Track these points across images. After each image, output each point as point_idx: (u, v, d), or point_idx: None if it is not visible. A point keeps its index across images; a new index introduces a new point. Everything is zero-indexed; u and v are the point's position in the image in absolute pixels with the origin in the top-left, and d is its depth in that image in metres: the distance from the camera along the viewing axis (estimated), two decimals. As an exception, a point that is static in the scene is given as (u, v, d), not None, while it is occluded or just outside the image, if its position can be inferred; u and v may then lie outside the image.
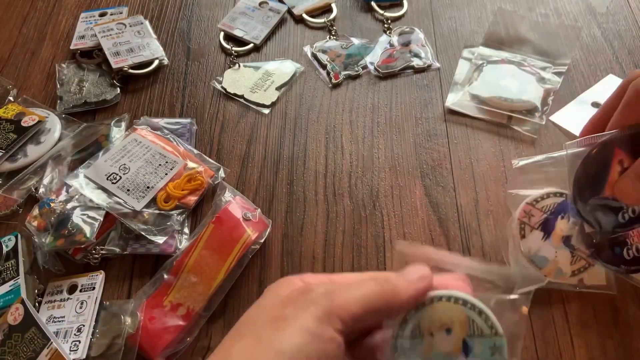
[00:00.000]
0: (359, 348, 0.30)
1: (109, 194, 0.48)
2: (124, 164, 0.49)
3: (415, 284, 0.30)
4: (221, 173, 0.51)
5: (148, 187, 0.48)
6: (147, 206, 0.47)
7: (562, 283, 0.42)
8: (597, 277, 0.42)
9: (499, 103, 0.53)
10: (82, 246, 0.45)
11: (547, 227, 0.42)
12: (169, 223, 0.47)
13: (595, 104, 0.53)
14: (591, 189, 0.38)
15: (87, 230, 0.45)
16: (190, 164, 0.50)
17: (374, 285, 0.29)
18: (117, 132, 0.53)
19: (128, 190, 0.48)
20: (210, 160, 0.52)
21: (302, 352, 0.25)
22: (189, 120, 0.55)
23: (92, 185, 0.48)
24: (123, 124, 0.54)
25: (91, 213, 0.47)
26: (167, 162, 0.50)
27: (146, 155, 0.50)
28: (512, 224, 0.43)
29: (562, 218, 0.42)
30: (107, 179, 0.49)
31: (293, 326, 0.26)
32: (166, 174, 0.49)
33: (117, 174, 0.49)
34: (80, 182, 0.48)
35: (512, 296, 0.32)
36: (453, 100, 0.55)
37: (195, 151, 0.52)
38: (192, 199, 0.48)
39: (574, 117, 0.52)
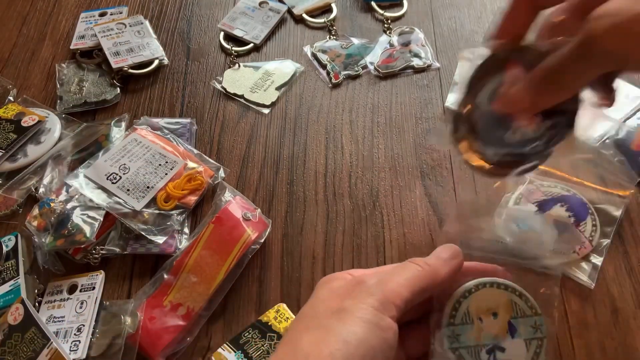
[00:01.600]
0: (410, 336, 0.33)
1: (109, 194, 0.48)
2: (124, 164, 0.49)
3: (450, 262, 0.33)
4: (221, 173, 0.51)
5: (148, 187, 0.48)
6: (147, 206, 0.47)
7: (541, 256, 0.41)
8: (581, 270, 0.43)
9: None
10: (82, 246, 0.45)
11: (543, 206, 0.44)
12: (169, 223, 0.47)
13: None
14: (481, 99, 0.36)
15: (87, 230, 0.45)
16: (190, 164, 0.50)
17: (416, 268, 0.32)
18: (117, 132, 0.53)
19: (128, 190, 0.48)
20: (210, 160, 0.52)
21: (364, 341, 0.28)
22: (188, 120, 0.55)
23: (92, 185, 0.48)
24: (123, 124, 0.54)
25: (91, 213, 0.47)
26: (167, 162, 0.50)
27: (146, 155, 0.50)
28: (511, 193, 0.46)
29: (561, 206, 0.44)
30: (107, 178, 0.49)
31: (353, 317, 0.28)
32: (166, 174, 0.49)
33: (117, 174, 0.49)
34: (80, 182, 0.48)
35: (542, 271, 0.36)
36: (453, 100, 0.55)
37: (195, 151, 0.52)
38: (192, 199, 0.48)
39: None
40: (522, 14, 0.36)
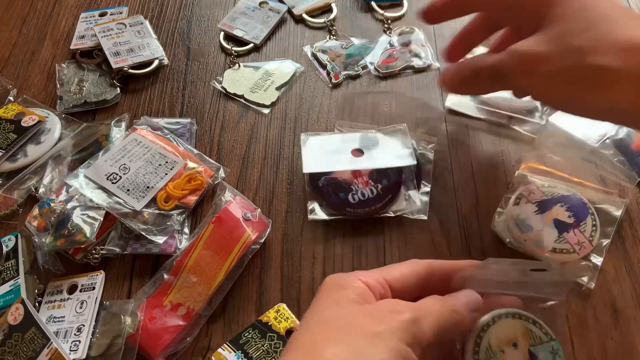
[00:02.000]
0: None
1: (109, 194, 0.48)
2: (124, 164, 0.49)
3: (473, 314, 0.33)
4: (221, 173, 0.51)
5: (148, 187, 0.48)
6: (147, 206, 0.47)
7: (540, 255, 0.44)
8: (580, 269, 0.44)
9: (499, 103, 0.53)
10: (82, 246, 0.45)
11: (543, 206, 0.45)
12: (169, 223, 0.47)
13: None
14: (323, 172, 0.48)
15: (87, 230, 0.45)
16: (190, 164, 0.50)
17: (447, 312, 0.32)
18: (117, 132, 0.53)
19: (128, 190, 0.48)
20: (210, 160, 0.52)
21: None
22: (188, 120, 0.55)
23: (92, 185, 0.48)
24: (123, 124, 0.54)
25: (91, 213, 0.47)
26: (167, 162, 0.50)
27: (146, 155, 0.50)
28: (511, 194, 0.47)
29: (561, 206, 0.45)
30: (107, 179, 0.49)
31: (387, 347, 0.28)
32: (166, 174, 0.49)
33: (117, 174, 0.49)
34: (80, 182, 0.48)
35: (550, 303, 0.37)
36: (453, 100, 0.55)
37: (195, 151, 0.52)
38: (192, 199, 0.48)
39: (574, 117, 0.52)
40: (478, 34, 0.45)
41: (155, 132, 0.53)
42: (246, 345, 0.41)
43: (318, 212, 0.48)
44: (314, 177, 0.49)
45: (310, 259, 0.47)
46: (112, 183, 0.48)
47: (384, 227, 0.48)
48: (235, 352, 0.41)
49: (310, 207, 0.48)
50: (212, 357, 0.41)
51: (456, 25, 0.62)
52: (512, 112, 0.53)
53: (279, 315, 0.43)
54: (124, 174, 0.49)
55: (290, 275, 0.46)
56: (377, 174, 0.48)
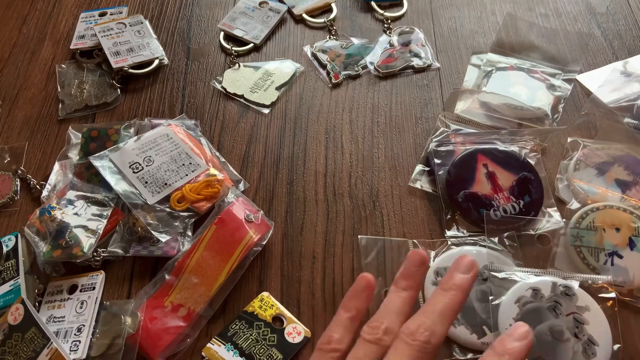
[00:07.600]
0: None
1: (127, 182, 0.48)
2: (150, 156, 0.49)
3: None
4: (241, 186, 0.50)
5: (166, 184, 0.48)
6: (159, 202, 0.47)
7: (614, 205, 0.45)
8: None
9: (509, 110, 0.52)
10: (78, 261, 0.45)
11: (602, 168, 0.47)
12: (176, 224, 0.46)
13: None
14: (462, 185, 0.47)
15: (84, 243, 0.45)
16: (212, 171, 0.49)
17: None
18: (127, 138, 0.52)
19: (146, 182, 0.48)
20: (233, 171, 0.51)
21: None
22: (192, 121, 0.55)
23: (113, 169, 0.48)
24: (132, 131, 0.53)
25: (91, 225, 0.46)
26: (190, 164, 0.49)
27: (173, 152, 0.50)
28: (570, 160, 0.49)
29: (619, 166, 0.47)
30: (130, 167, 0.48)
31: None
32: (187, 175, 0.49)
33: (140, 164, 0.48)
34: (102, 164, 0.48)
35: None
36: (462, 107, 0.54)
37: (222, 159, 0.52)
38: (205, 205, 0.48)
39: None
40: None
41: (188, 132, 0.52)
42: (235, 336, 0.42)
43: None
44: (453, 190, 0.47)
45: (310, 259, 0.47)
46: (133, 172, 0.48)
47: (384, 226, 0.48)
48: (224, 344, 0.41)
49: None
50: (203, 353, 0.41)
51: (456, 25, 0.62)
52: (522, 120, 0.52)
53: (264, 304, 0.43)
54: (147, 165, 0.49)
55: (290, 275, 0.46)
56: (518, 190, 0.46)
